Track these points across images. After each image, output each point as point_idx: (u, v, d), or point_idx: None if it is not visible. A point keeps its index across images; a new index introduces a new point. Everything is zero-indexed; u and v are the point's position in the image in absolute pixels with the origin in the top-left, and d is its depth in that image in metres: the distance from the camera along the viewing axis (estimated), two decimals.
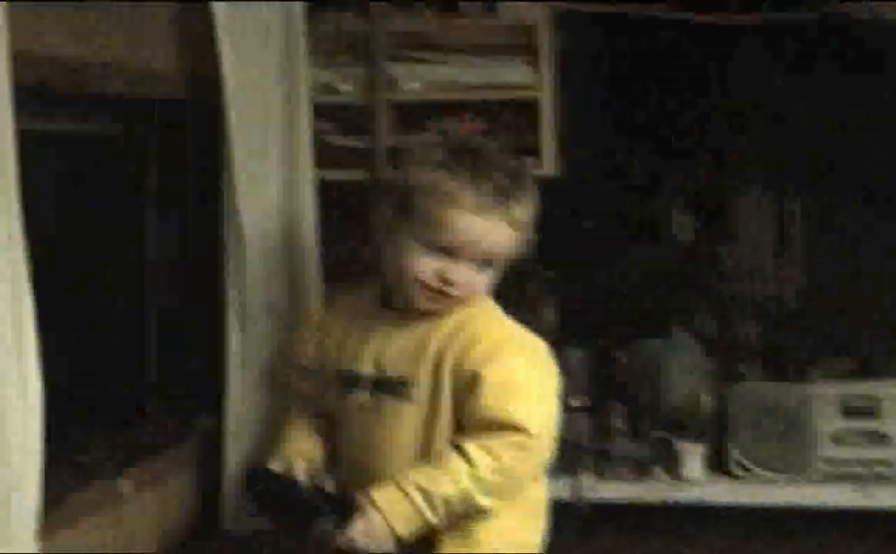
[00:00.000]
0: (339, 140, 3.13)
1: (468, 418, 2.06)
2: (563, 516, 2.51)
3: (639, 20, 3.17)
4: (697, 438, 2.90)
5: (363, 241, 3.05)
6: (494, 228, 2.06)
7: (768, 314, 3.47)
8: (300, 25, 2.72)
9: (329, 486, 2.27)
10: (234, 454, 2.56)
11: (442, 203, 2.05)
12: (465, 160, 2.07)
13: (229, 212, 2.55)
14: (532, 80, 3.09)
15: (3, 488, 1.73)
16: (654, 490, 2.85)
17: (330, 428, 2.28)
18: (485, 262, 2.10)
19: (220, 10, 2.45)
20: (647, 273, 3.49)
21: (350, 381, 2.20)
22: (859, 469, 2.84)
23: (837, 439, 2.85)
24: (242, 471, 2.51)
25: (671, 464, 2.87)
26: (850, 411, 2.86)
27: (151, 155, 2.74)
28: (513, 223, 2.08)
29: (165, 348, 2.78)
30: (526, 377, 2.08)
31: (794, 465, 2.82)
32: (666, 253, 3.54)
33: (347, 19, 3.13)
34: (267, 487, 2.14)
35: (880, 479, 2.83)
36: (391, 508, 2.01)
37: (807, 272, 3.51)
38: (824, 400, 2.86)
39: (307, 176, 2.73)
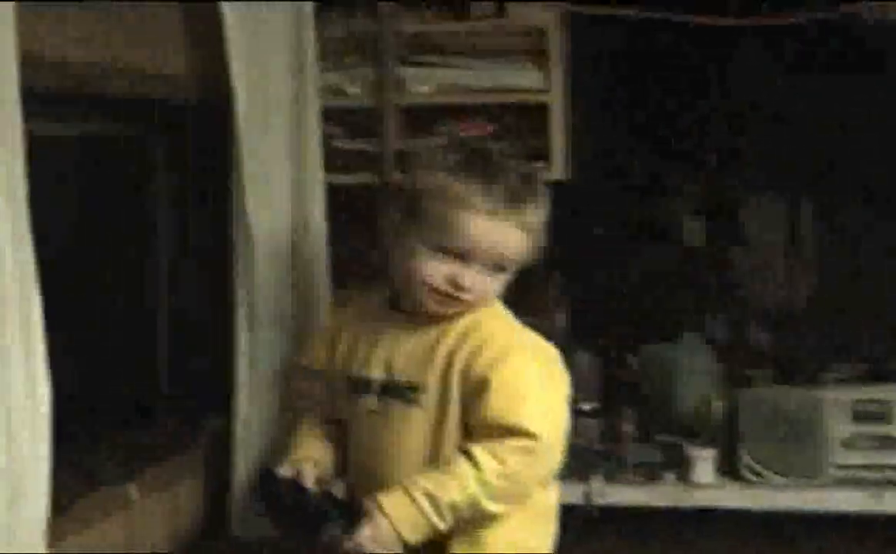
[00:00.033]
0: (346, 144, 3.13)
1: (476, 423, 2.06)
2: (573, 521, 2.51)
3: (648, 23, 3.16)
4: (708, 442, 2.89)
5: (371, 245, 3.05)
6: (505, 232, 2.06)
7: (779, 318, 3.47)
8: (309, 27, 2.71)
9: (338, 490, 2.26)
10: (243, 457, 2.56)
11: (453, 206, 2.04)
12: (477, 163, 2.07)
13: (238, 213, 2.54)
14: (542, 83, 3.07)
15: (11, 493, 1.72)
16: (664, 495, 2.84)
17: (340, 433, 2.28)
18: (496, 266, 2.09)
19: (228, 12, 2.45)
20: (658, 277, 3.48)
21: (359, 385, 2.20)
22: (870, 474, 2.83)
23: (848, 444, 2.84)
24: (251, 474, 2.50)
25: (682, 468, 2.86)
26: (861, 416, 2.85)
27: (160, 156, 2.74)
28: (524, 227, 2.07)
29: (174, 351, 2.77)
30: (535, 382, 2.07)
31: (804, 469, 2.81)
32: (676, 257, 3.54)
33: (356, 21, 3.13)
34: (276, 491, 2.14)
35: (891, 483, 2.82)
36: (398, 514, 2.00)
37: (818, 276, 3.51)
38: (835, 405, 2.84)
39: (316, 177, 2.73)
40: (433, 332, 2.14)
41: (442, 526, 2.02)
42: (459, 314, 2.13)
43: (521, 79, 3.09)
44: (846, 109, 3.32)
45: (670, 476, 2.88)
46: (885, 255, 3.41)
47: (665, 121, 3.51)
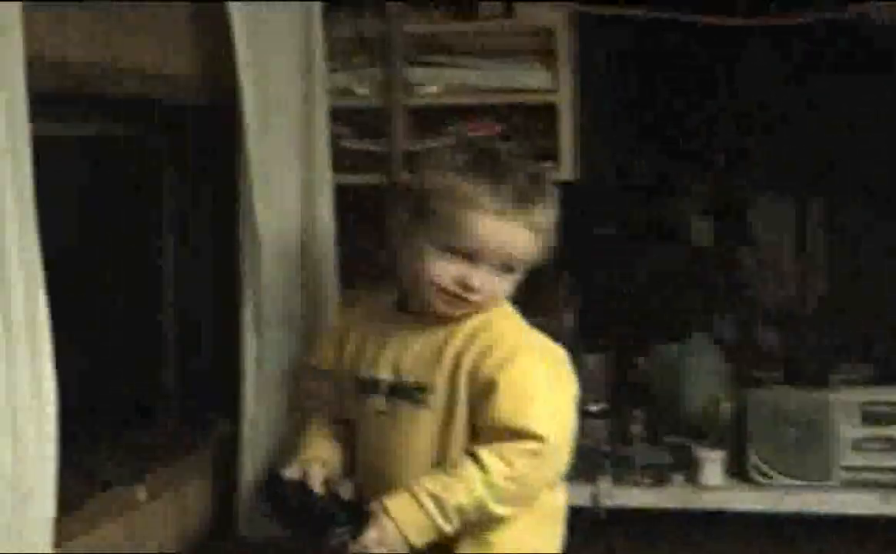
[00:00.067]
0: (355, 144, 3.12)
1: (483, 425, 2.06)
2: (581, 522, 2.50)
3: (656, 23, 3.16)
4: (717, 444, 2.88)
5: (379, 245, 3.05)
6: (514, 233, 2.05)
7: (788, 319, 3.46)
8: (318, 27, 2.71)
9: (346, 492, 2.26)
10: (250, 459, 2.55)
11: (461, 207, 2.04)
12: (485, 164, 2.07)
13: (245, 214, 2.53)
14: (550, 83, 3.07)
15: (17, 495, 1.72)
16: (672, 496, 2.84)
17: (348, 433, 2.28)
18: (504, 266, 2.09)
19: (236, 12, 2.44)
20: (667, 277, 3.48)
21: (367, 386, 2.20)
22: (879, 476, 2.82)
23: (858, 446, 2.83)
24: (259, 475, 2.49)
25: (690, 470, 2.86)
26: (870, 418, 2.84)
27: (164, 157, 2.73)
28: (533, 227, 2.07)
29: (179, 352, 2.77)
30: (542, 384, 2.07)
31: (813, 471, 2.80)
32: (684, 257, 3.53)
33: (364, 22, 3.12)
34: (282, 494, 2.14)
35: None
36: (404, 517, 2.00)
37: (827, 277, 3.50)
38: (844, 406, 2.83)
39: (324, 178, 2.72)
40: (441, 332, 2.14)
41: (448, 529, 2.02)
42: (468, 315, 2.13)
43: (530, 79, 3.08)
44: (854, 110, 3.31)
45: (678, 478, 2.87)
46: (895, 257, 3.40)
47: (673, 121, 3.50)
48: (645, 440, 2.96)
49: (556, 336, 2.23)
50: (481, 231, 2.04)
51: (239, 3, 2.44)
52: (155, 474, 2.37)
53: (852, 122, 3.32)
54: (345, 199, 2.86)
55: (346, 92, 3.11)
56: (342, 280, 2.77)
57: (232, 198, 2.58)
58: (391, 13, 3.09)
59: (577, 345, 3.02)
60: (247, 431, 2.56)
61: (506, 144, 2.65)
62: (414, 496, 2.01)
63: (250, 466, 2.55)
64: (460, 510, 2.01)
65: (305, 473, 2.17)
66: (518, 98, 3.09)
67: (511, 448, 2.02)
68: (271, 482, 2.19)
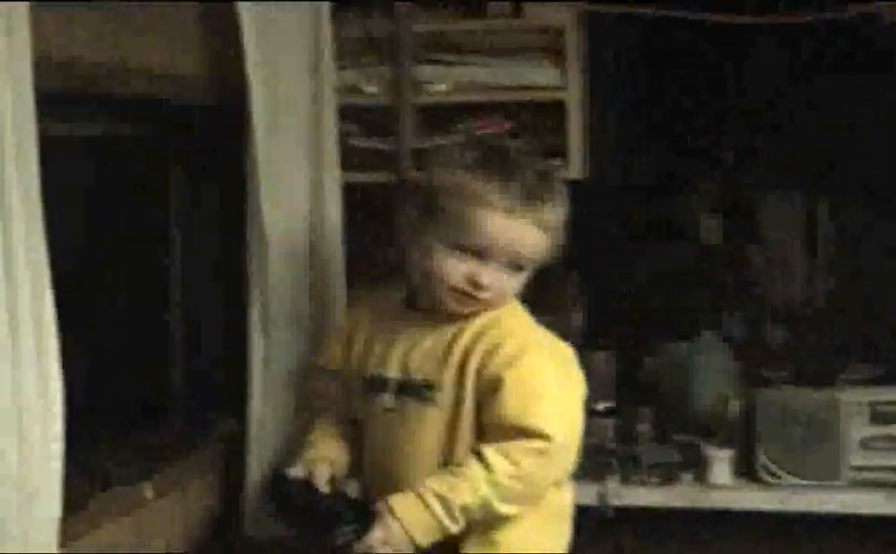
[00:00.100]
0: (363, 142, 3.12)
1: (490, 423, 2.06)
2: (588, 521, 2.50)
3: (665, 21, 3.16)
4: (725, 443, 2.88)
5: (388, 243, 3.05)
6: (524, 230, 2.06)
7: (797, 318, 3.46)
8: (326, 26, 2.71)
9: (353, 491, 2.26)
10: (257, 459, 2.55)
11: (470, 204, 2.05)
12: (494, 161, 2.07)
13: (253, 214, 2.53)
14: (559, 81, 3.06)
15: (23, 494, 1.72)
16: (680, 495, 2.83)
17: (356, 432, 2.28)
18: (513, 264, 2.09)
19: (245, 11, 2.44)
20: (675, 275, 3.47)
21: (375, 384, 2.20)
22: (888, 476, 2.80)
23: (866, 445, 2.82)
24: (265, 475, 2.49)
25: (698, 469, 2.85)
26: (879, 417, 2.83)
27: (171, 157, 2.73)
28: (542, 225, 2.07)
29: (188, 352, 2.76)
30: (549, 383, 2.07)
31: (822, 471, 2.79)
32: (693, 255, 3.53)
33: (372, 20, 3.12)
34: (288, 493, 2.14)
35: None
36: (410, 517, 2.00)
37: (836, 275, 3.49)
38: (853, 406, 2.82)
39: (332, 177, 2.72)
40: (449, 330, 2.14)
41: (454, 529, 2.03)
42: (476, 313, 2.13)
43: (538, 76, 3.07)
44: (862, 109, 3.31)
45: (686, 477, 2.86)
46: None
47: (681, 119, 3.50)
48: (653, 439, 2.96)
49: (563, 334, 2.24)
50: (491, 229, 2.05)
51: (248, 3, 2.44)
52: (161, 473, 2.37)
53: (860, 120, 3.32)
54: (353, 197, 2.85)
55: (355, 90, 3.10)
56: (350, 278, 2.77)
57: (239, 198, 2.57)
58: (400, 12, 3.09)
59: (585, 343, 3.02)
60: (253, 430, 2.56)
61: (515, 142, 2.66)
62: (419, 496, 2.01)
63: (257, 466, 2.55)
64: (466, 510, 2.01)
65: (311, 473, 2.18)
66: (527, 96, 3.08)
67: (517, 447, 2.02)
68: (276, 482, 2.19)
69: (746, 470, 2.84)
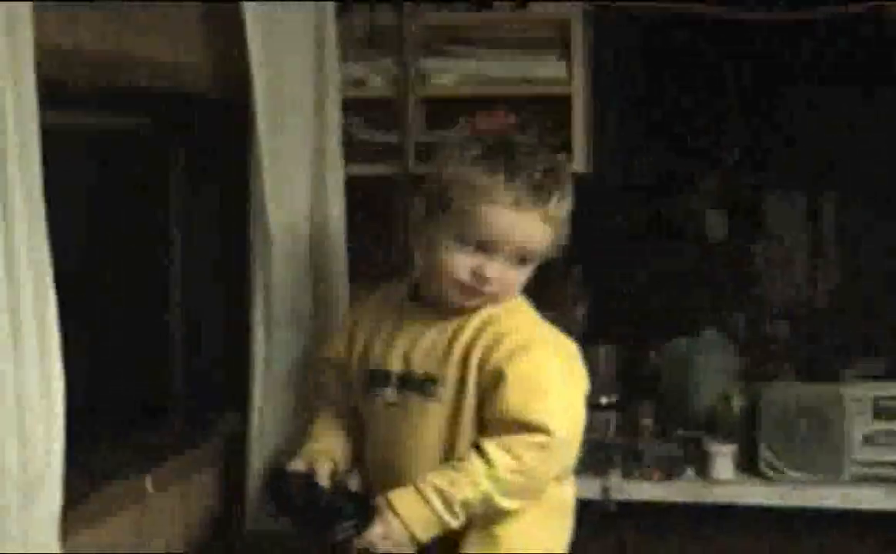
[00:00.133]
0: (368, 135, 3.11)
1: (491, 417, 2.06)
2: (591, 516, 2.51)
3: (670, 17, 3.16)
4: (727, 438, 2.88)
5: (391, 236, 3.05)
6: (530, 224, 2.06)
7: (800, 314, 3.46)
8: (331, 22, 2.70)
9: (354, 484, 2.27)
10: (258, 454, 2.55)
11: (476, 198, 2.05)
12: (500, 155, 2.07)
13: (256, 210, 2.52)
14: (565, 75, 3.06)
15: (24, 488, 1.72)
16: (682, 490, 2.83)
17: (359, 425, 2.28)
18: (519, 258, 2.09)
19: (250, 12, 2.43)
20: (679, 271, 3.47)
21: (378, 378, 2.20)
22: (891, 471, 2.80)
23: (869, 441, 2.82)
24: (266, 471, 2.49)
25: (701, 464, 2.85)
26: (882, 412, 2.83)
27: (174, 152, 2.73)
28: (548, 219, 2.07)
29: (191, 347, 2.76)
30: (551, 377, 2.07)
31: (825, 466, 2.79)
32: (697, 252, 3.52)
33: (378, 13, 3.12)
34: (287, 489, 2.14)
35: None
36: (410, 512, 2.01)
37: (839, 272, 3.49)
38: (856, 401, 2.82)
39: (335, 175, 2.71)
40: (452, 325, 2.14)
41: (454, 524, 2.03)
42: (479, 307, 2.13)
43: (544, 71, 3.07)
44: (869, 105, 3.30)
45: (689, 472, 2.86)
46: None
47: (685, 116, 3.50)
48: (655, 434, 2.95)
49: (566, 329, 2.24)
50: (496, 223, 2.05)
51: (253, 3, 2.43)
52: (162, 468, 2.36)
53: (866, 117, 3.31)
54: (358, 190, 2.85)
55: (360, 83, 3.10)
56: (353, 271, 2.76)
57: (239, 197, 2.56)
58: (405, 4, 3.08)
59: (588, 338, 3.02)
60: (255, 425, 2.55)
61: (521, 135, 2.65)
62: (419, 492, 2.02)
63: (258, 461, 2.55)
64: (466, 505, 2.02)
65: (312, 466, 2.18)
66: (532, 90, 3.08)
67: (519, 441, 2.02)
68: (276, 478, 2.19)
69: (749, 465, 2.84)
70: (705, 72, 3.49)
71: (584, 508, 2.32)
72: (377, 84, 3.12)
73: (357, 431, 2.29)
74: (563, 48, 3.06)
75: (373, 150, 3.10)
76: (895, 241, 3.40)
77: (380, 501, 2.04)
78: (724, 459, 2.82)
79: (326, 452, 2.24)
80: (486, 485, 2.01)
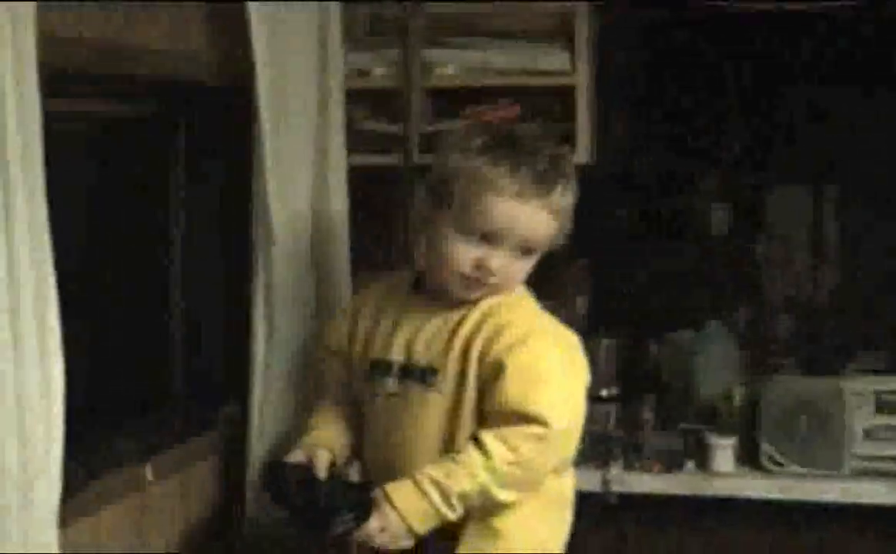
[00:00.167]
0: (372, 125, 3.11)
1: (490, 408, 2.06)
2: (591, 508, 2.51)
3: (675, 10, 3.16)
4: (728, 431, 2.88)
5: (395, 226, 3.05)
6: (534, 215, 2.06)
7: (803, 308, 3.45)
8: (335, 20, 2.70)
9: (354, 474, 2.26)
10: (259, 443, 2.55)
11: (480, 189, 2.04)
12: (504, 146, 2.07)
13: (258, 210, 2.51)
14: (569, 66, 3.05)
15: (24, 476, 1.72)
16: (683, 483, 2.83)
17: (359, 415, 2.28)
18: (523, 249, 2.09)
19: (254, 6, 2.42)
20: (682, 264, 3.47)
21: (379, 368, 2.20)
22: (892, 465, 2.80)
23: (870, 435, 2.82)
24: (266, 461, 2.49)
25: (701, 457, 2.85)
26: (883, 407, 2.83)
27: (179, 144, 2.72)
28: (552, 210, 2.07)
29: (192, 337, 2.76)
30: (551, 369, 2.07)
31: (826, 460, 2.79)
32: (701, 244, 3.52)
33: (382, 3, 3.11)
34: (285, 482, 2.14)
35: None
36: (407, 505, 2.01)
37: (841, 266, 3.49)
38: (858, 395, 2.82)
39: (339, 173, 2.71)
40: (454, 315, 2.14)
41: (452, 516, 2.03)
42: (482, 298, 2.13)
43: (549, 62, 3.07)
44: (873, 100, 3.30)
45: (689, 464, 2.86)
46: None
47: (693, 108, 3.49)
48: (656, 427, 2.95)
49: (568, 321, 2.24)
50: (500, 214, 2.05)
51: (257, 3, 2.42)
52: (162, 457, 2.36)
53: (874, 113, 3.31)
54: (361, 180, 2.85)
55: (364, 73, 3.10)
56: (356, 261, 2.76)
57: (242, 190, 2.55)
58: None
59: (590, 330, 3.02)
60: (255, 414, 2.55)
61: (525, 126, 2.65)
62: (416, 484, 2.02)
63: (258, 452, 2.55)
64: (463, 497, 2.01)
65: (310, 458, 2.17)
66: (537, 80, 3.07)
67: (517, 432, 2.02)
68: (273, 472, 2.19)
69: (749, 459, 2.84)
70: (708, 67, 3.48)
71: (585, 501, 2.32)
72: (381, 74, 3.12)
73: (357, 421, 2.29)
74: (566, 39, 3.05)
75: (376, 141, 3.10)
76: None
77: (377, 493, 2.04)
78: (724, 452, 2.82)
79: (325, 443, 2.23)
80: (483, 477, 2.01)
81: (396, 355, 2.18)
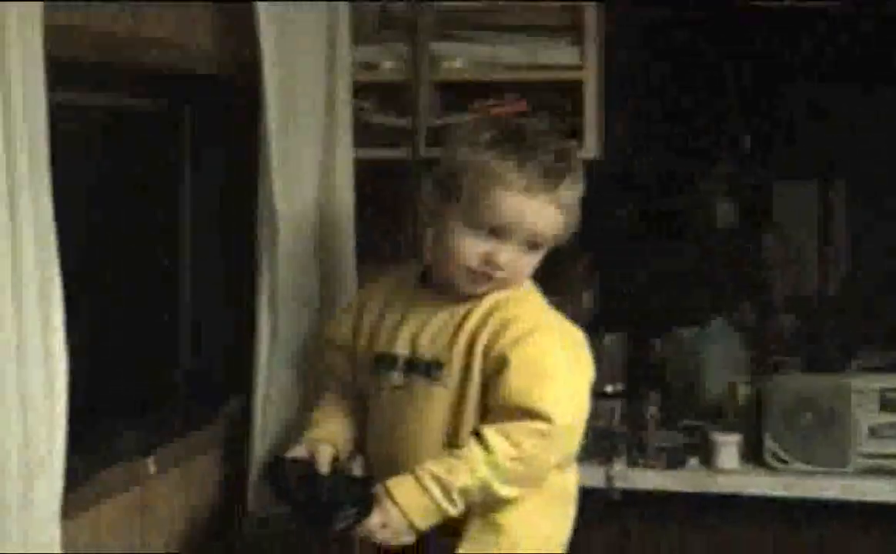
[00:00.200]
0: (379, 118, 3.11)
1: (493, 403, 2.07)
2: (595, 504, 2.51)
3: (683, 3, 3.15)
4: (733, 428, 2.88)
5: (400, 222, 3.05)
6: (541, 210, 2.06)
7: (808, 305, 3.45)
8: (344, 19, 2.70)
9: (357, 469, 2.26)
10: (261, 438, 2.56)
11: (488, 183, 2.05)
12: (512, 140, 2.07)
13: (264, 193, 2.52)
14: (577, 61, 3.05)
15: (26, 469, 1.72)
16: (687, 480, 2.83)
17: (363, 409, 2.28)
18: (530, 243, 2.09)
19: (262, 6, 2.42)
20: (686, 261, 3.47)
21: (384, 361, 2.21)
22: None
23: (875, 433, 2.82)
24: (269, 455, 2.49)
25: (705, 453, 2.85)
26: (888, 404, 2.82)
27: (187, 131, 2.73)
28: (559, 205, 2.07)
29: (195, 333, 2.76)
30: (556, 364, 2.07)
31: (830, 458, 2.79)
32: (707, 241, 3.52)
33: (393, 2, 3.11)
34: (286, 478, 2.14)
35: None
36: (408, 501, 2.01)
37: (847, 264, 3.49)
38: (863, 393, 2.81)
39: (345, 159, 2.71)
40: (460, 309, 2.14)
41: (453, 511, 2.03)
42: (488, 292, 2.13)
43: (556, 55, 3.06)
44: (881, 95, 3.30)
45: (693, 461, 2.86)
46: None
47: (700, 103, 3.49)
48: (660, 423, 2.95)
49: (574, 316, 2.24)
50: (508, 208, 2.05)
51: (266, 3, 2.42)
52: (166, 450, 2.37)
53: (877, 107, 3.31)
54: (369, 173, 2.85)
55: (372, 67, 3.09)
56: (362, 254, 2.76)
57: (249, 183, 2.55)
58: None
59: (596, 325, 3.02)
60: (258, 408, 2.56)
61: (533, 120, 2.65)
62: (418, 480, 2.02)
63: (261, 444, 2.56)
64: (465, 492, 2.01)
65: (313, 454, 2.18)
66: (545, 75, 3.07)
67: (519, 428, 2.02)
68: (275, 467, 2.19)
69: (753, 456, 2.84)
70: (716, 62, 3.48)
71: (588, 497, 2.32)
72: (389, 68, 3.12)
73: (361, 415, 2.29)
74: (575, 34, 3.05)
75: (384, 134, 3.09)
76: None
77: (378, 489, 2.04)
78: (728, 449, 2.82)
79: (328, 438, 2.24)
80: (484, 472, 2.01)
81: (402, 349, 2.19)
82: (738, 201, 3.56)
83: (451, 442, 2.09)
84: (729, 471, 2.81)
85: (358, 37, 2.87)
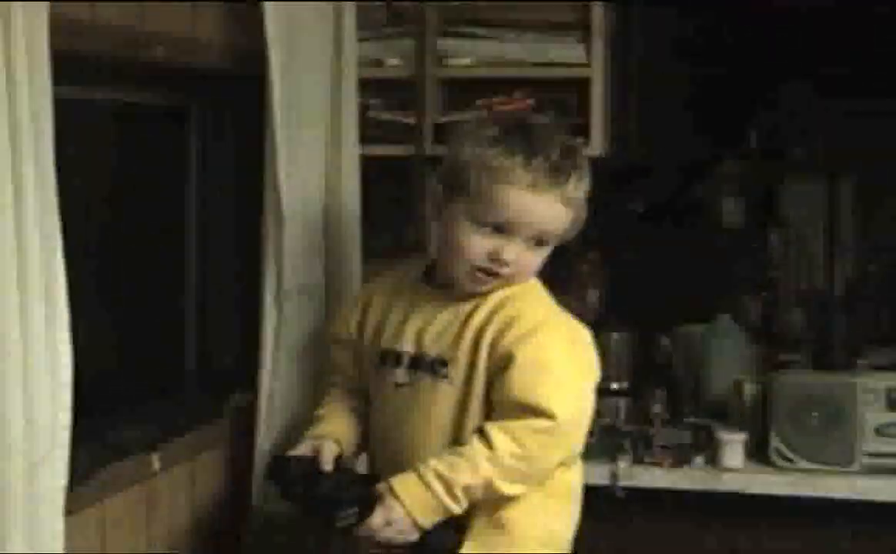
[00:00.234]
0: (385, 115, 3.11)
1: (498, 400, 2.06)
2: (599, 501, 2.50)
3: (693, 2, 3.15)
4: (738, 426, 2.87)
5: (406, 219, 3.05)
6: (547, 206, 2.06)
7: (815, 302, 3.45)
8: (350, 12, 2.69)
9: (361, 467, 2.26)
10: (267, 434, 2.56)
11: (494, 180, 2.04)
12: (518, 137, 2.07)
13: (270, 188, 2.51)
14: (584, 58, 3.05)
15: (30, 464, 1.72)
16: (692, 478, 2.82)
17: (367, 406, 2.28)
18: (537, 240, 2.09)
19: (270, 10, 2.42)
20: (694, 257, 3.46)
21: (389, 358, 2.20)
22: None
23: (881, 432, 2.81)
24: (274, 450, 2.49)
25: (711, 451, 2.84)
26: (895, 404, 2.82)
27: (194, 126, 2.73)
28: (566, 201, 2.07)
29: (202, 327, 2.76)
30: (560, 362, 2.07)
31: (836, 456, 2.78)
32: (713, 238, 3.52)
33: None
34: (290, 476, 2.14)
35: None
36: (412, 500, 2.01)
37: (854, 262, 3.48)
38: (870, 391, 2.81)
39: (351, 154, 2.71)
40: (466, 306, 2.14)
41: (456, 509, 2.02)
42: (493, 289, 2.13)
43: (563, 53, 3.06)
44: (888, 91, 3.29)
45: (699, 459, 2.85)
46: None
47: (707, 100, 3.49)
48: (666, 420, 2.95)
49: (580, 313, 2.23)
50: (514, 204, 2.04)
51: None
52: (170, 445, 2.37)
53: (884, 103, 3.30)
54: (373, 170, 2.85)
55: (378, 63, 3.09)
56: (367, 250, 2.76)
57: (256, 176, 2.55)
58: None
59: (602, 322, 3.02)
60: (263, 404, 2.55)
61: (539, 116, 2.64)
62: (420, 477, 2.01)
63: (266, 441, 2.55)
64: (468, 490, 2.01)
65: (316, 451, 2.17)
66: (551, 72, 3.06)
67: (522, 425, 2.02)
68: (278, 465, 2.19)
69: (759, 454, 2.84)
70: (723, 59, 3.48)
71: (593, 494, 2.32)
72: (395, 64, 3.11)
73: (365, 412, 2.29)
74: (582, 31, 3.04)
75: (390, 131, 3.09)
76: None
77: (381, 487, 2.03)
78: (734, 447, 2.82)
79: (332, 435, 2.23)
80: (487, 469, 2.01)
81: (407, 346, 2.18)
82: (745, 199, 3.55)
83: (456, 439, 2.09)
84: (734, 469, 2.81)
85: (363, 32, 2.86)
